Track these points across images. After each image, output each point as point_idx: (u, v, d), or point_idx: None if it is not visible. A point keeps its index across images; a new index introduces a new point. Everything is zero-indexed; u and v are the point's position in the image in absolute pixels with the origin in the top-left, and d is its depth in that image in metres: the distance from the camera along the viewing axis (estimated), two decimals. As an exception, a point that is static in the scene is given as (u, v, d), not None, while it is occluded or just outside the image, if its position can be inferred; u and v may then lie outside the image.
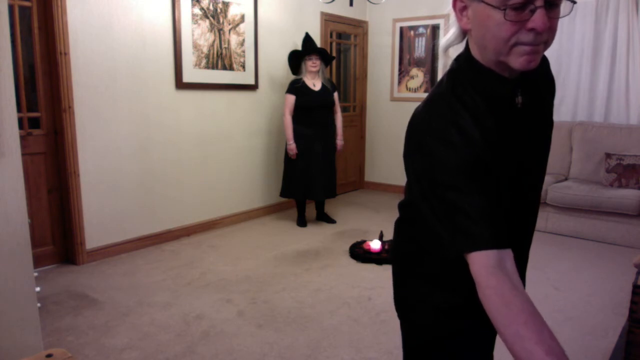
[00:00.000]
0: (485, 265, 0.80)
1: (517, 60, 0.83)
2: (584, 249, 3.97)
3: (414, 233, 1.09)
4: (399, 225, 1.16)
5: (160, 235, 4.01)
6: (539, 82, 1.00)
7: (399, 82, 5.89)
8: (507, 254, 0.82)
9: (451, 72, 0.95)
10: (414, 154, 0.93)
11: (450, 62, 0.97)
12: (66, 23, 3.26)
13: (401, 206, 1.15)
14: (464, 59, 0.93)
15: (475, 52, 0.91)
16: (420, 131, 0.90)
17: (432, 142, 0.86)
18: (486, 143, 0.87)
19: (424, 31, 5.64)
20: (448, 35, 0.97)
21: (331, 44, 5.60)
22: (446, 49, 0.99)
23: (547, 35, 0.82)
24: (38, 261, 3.28)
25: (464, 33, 0.94)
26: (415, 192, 1.02)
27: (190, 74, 4.07)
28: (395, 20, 5.82)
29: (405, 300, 1.15)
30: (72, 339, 2.48)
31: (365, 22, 6.01)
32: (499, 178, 0.89)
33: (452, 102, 0.89)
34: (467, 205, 0.82)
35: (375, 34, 6.02)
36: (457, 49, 0.98)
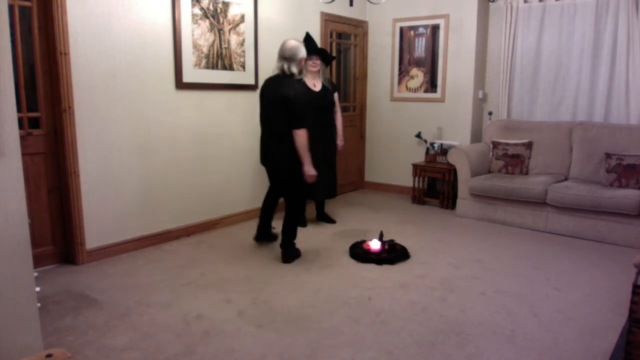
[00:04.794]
0: (302, 131, 3.33)
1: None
2: (584, 249, 3.97)
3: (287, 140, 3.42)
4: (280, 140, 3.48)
5: (160, 235, 4.01)
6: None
7: (399, 82, 5.89)
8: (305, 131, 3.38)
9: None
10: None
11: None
12: (66, 23, 3.27)
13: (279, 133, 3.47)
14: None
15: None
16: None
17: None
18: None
19: (424, 31, 5.64)
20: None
21: (331, 44, 5.60)
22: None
23: None
24: (38, 261, 3.29)
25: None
26: (286, 119, 3.36)
27: (190, 74, 4.07)
28: (395, 20, 5.82)
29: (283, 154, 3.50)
30: (72, 339, 2.48)
31: (365, 22, 6.01)
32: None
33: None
34: (304, 115, 3.36)
35: (375, 34, 6.02)
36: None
